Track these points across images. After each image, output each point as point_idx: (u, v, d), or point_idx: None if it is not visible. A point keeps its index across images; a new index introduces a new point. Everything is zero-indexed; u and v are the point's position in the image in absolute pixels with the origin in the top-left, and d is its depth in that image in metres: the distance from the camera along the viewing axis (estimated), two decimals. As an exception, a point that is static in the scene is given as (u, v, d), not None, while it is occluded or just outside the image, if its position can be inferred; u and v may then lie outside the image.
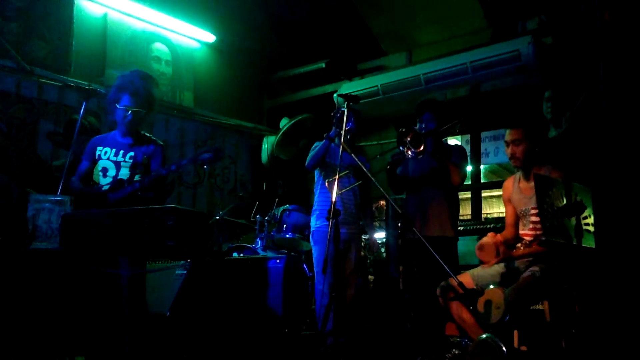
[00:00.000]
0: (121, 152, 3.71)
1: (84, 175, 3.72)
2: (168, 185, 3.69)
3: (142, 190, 3.51)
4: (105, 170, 3.70)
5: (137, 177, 3.63)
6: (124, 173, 3.67)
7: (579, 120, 3.99)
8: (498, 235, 3.42)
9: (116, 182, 3.61)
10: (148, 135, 3.86)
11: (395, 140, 3.83)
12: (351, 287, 4.32)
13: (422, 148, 3.73)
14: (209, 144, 6.49)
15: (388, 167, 4.05)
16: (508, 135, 3.46)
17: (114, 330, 3.33)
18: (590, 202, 2.83)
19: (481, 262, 3.46)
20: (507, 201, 3.60)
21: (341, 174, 3.75)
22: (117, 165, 3.69)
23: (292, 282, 4.62)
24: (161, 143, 3.86)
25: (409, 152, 3.76)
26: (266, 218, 5.30)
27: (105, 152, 3.72)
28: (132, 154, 3.71)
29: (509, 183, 3.62)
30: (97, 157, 3.72)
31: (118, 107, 3.68)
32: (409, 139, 3.77)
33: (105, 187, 3.62)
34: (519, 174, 3.54)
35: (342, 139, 3.72)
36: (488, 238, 3.37)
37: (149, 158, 3.72)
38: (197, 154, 3.50)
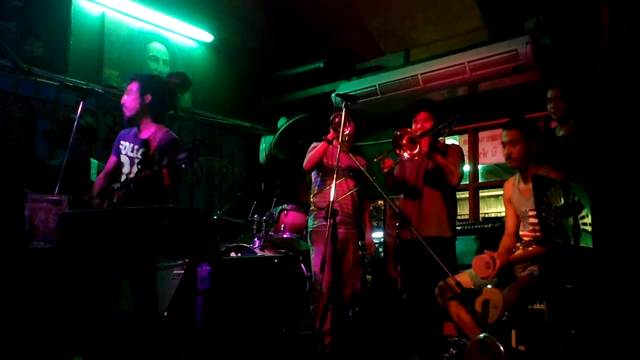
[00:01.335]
0: (135, 147, 3.65)
1: (110, 171, 3.72)
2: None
3: (135, 188, 3.43)
4: (122, 166, 3.69)
5: None
6: (135, 170, 3.58)
7: (580, 125, 3.98)
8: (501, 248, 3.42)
9: (124, 181, 3.58)
10: (165, 129, 3.73)
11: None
12: (349, 287, 4.32)
13: (417, 149, 3.73)
14: (207, 143, 6.49)
15: (386, 170, 4.04)
16: (505, 135, 3.45)
17: (112, 330, 3.33)
18: (588, 202, 2.83)
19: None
20: (508, 202, 3.58)
21: (339, 180, 3.74)
22: (132, 161, 3.64)
23: (290, 282, 4.62)
24: (174, 137, 3.70)
25: (405, 154, 3.75)
26: (264, 218, 5.29)
27: (125, 147, 3.69)
28: (143, 150, 3.59)
29: (509, 184, 3.61)
30: (120, 152, 3.71)
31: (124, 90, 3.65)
32: (404, 141, 3.76)
33: (117, 186, 3.59)
34: (518, 176, 3.53)
35: (340, 140, 3.72)
36: (483, 254, 3.34)
37: (160, 153, 3.58)
38: (172, 158, 3.36)
